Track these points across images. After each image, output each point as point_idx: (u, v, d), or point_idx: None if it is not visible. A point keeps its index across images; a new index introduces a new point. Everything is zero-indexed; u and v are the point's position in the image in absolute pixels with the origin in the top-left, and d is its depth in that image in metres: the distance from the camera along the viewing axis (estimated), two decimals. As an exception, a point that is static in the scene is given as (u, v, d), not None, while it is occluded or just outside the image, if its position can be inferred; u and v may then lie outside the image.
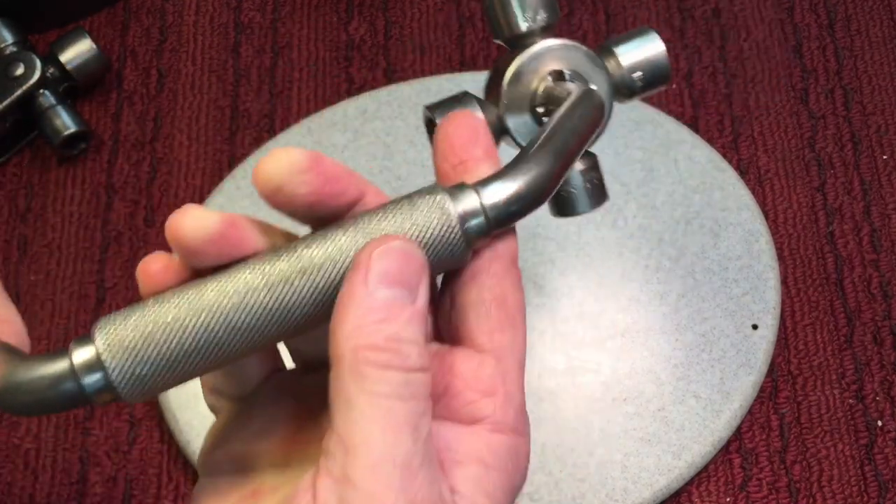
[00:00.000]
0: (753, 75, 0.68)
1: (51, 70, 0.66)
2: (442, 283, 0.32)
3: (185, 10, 0.71)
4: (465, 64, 0.69)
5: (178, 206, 0.65)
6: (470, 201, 0.29)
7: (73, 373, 0.28)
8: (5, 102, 0.64)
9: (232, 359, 0.29)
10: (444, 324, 0.32)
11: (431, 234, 0.29)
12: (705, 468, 0.58)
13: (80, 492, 0.58)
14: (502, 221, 0.30)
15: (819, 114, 0.67)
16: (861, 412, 0.59)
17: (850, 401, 0.59)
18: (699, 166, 0.64)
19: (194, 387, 0.59)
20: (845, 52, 0.69)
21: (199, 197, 0.65)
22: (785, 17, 0.70)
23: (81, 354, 0.28)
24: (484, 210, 0.29)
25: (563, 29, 0.69)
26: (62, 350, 0.28)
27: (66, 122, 0.65)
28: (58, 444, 0.60)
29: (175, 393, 0.59)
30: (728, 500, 0.58)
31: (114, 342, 0.28)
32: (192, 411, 0.58)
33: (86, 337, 0.28)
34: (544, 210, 0.63)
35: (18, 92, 0.64)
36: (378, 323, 0.27)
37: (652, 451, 0.57)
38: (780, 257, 0.63)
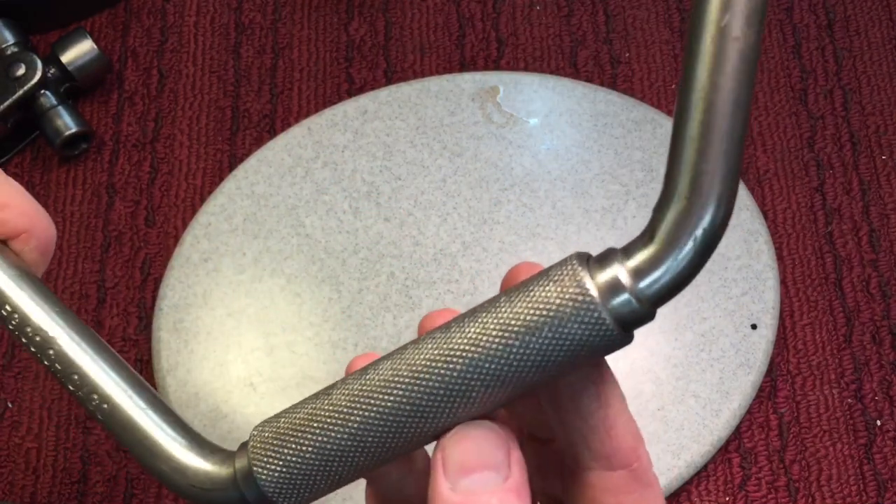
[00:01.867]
0: (753, 76, 0.68)
1: (52, 70, 0.66)
2: (567, 481, 0.29)
3: (185, 11, 0.71)
4: (465, 64, 0.69)
5: (178, 206, 0.66)
6: (611, 272, 0.23)
7: (236, 483, 0.28)
8: (6, 103, 0.64)
9: (379, 460, 0.27)
10: None
11: (561, 319, 0.23)
12: (704, 468, 0.58)
13: (82, 491, 0.59)
14: (665, 292, 0.23)
15: (818, 114, 0.67)
16: (860, 412, 0.59)
17: (849, 400, 0.60)
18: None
19: (194, 385, 0.59)
20: (844, 53, 0.69)
21: (200, 197, 0.65)
22: (784, 18, 0.70)
23: (242, 464, 0.28)
24: (632, 286, 0.23)
25: (562, 29, 0.69)
26: (233, 453, 0.28)
27: (67, 123, 0.65)
28: (59, 443, 0.60)
29: (175, 392, 0.59)
30: (727, 499, 0.58)
31: (261, 455, 0.27)
32: (192, 411, 0.58)
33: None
34: (544, 209, 0.64)
35: (20, 92, 0.64)
36: None
37: (651, 451, 0.56)
38: (779, 257, 0.63)
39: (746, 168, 0.65)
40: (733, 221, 0.62)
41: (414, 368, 0.25)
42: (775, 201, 0.65)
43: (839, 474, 0.58)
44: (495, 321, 0.24)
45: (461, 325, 0.25)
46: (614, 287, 0.23)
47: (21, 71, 0.64)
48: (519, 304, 0.24)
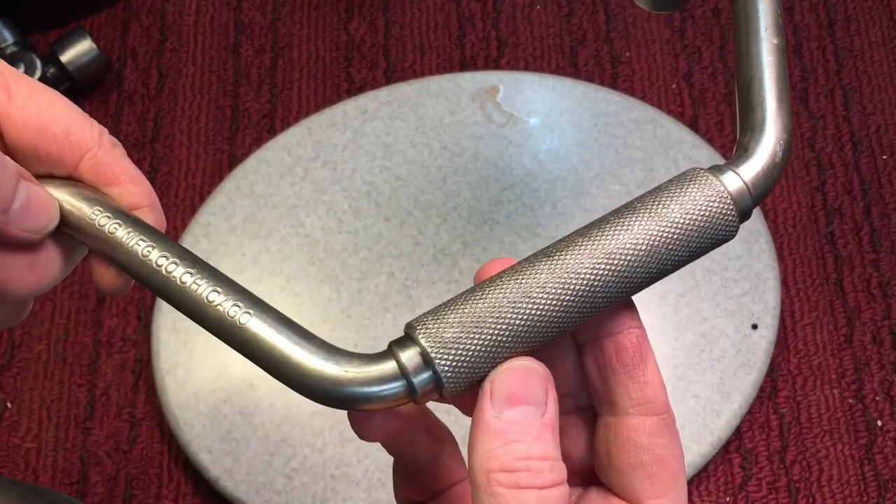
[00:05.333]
0: (753, 75, 0.68)
1: (51, 70, 0.66)
2: (597, 426, 0.33)
3: (185, 10, 0.71)
4: (465, 64, 0.69)
5: (178, 205, 0.66)
6: (734, 179, 0.32)
7: (404, 373, 0.29)
8: (6, 102, 0.64)
9: (543, 341, 0.30)
10: (603, 475, 0.32)
11: (707, 215, 0.31)
12: (705, 468, 0.58)
13: (81, 491, 0.59)
14: (766, 191, 0.32)
15: (819, 114, 0.67)
16: (860, 412, 0.59)
17: (850, 400, 0.59)
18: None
19: (193, 385, 0.59)
20: (845, 53, 0.69)
21: (200, 197, 0.65)
22: (784, 17, 0.70)
23: (408, 355, 0.30)
24: (747, 186, 0.32)
25: (562, 29, 0.69)
26: (382, 353, 0.30)
27: (66, 122, 0.65)
28: (58, 443, 0.60)
29: (175, 393, 0.59)
30: (728, 499, 0.58)
31: (438, 340, 0.29)
32: (192, 411, 0.58)
33: (405, 339, 0.30)
34: (544, 209, 0.63)
35: (19, 92, 0.64)
36: (506, 444, 0.28)
37: (652, 451, 0.57)
38: (780, 257, 0.63)
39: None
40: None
41: (576, 264, 0.30)
42: (776, 201, 0.64)
43: (840, 475, 0.58)
44: (644, 222, 0.30)
45: (602, 229, 0.30)
46: (740, 190, 0.31)
47: (20, 70, 0.64)
48: (670, 207, 0.31)
